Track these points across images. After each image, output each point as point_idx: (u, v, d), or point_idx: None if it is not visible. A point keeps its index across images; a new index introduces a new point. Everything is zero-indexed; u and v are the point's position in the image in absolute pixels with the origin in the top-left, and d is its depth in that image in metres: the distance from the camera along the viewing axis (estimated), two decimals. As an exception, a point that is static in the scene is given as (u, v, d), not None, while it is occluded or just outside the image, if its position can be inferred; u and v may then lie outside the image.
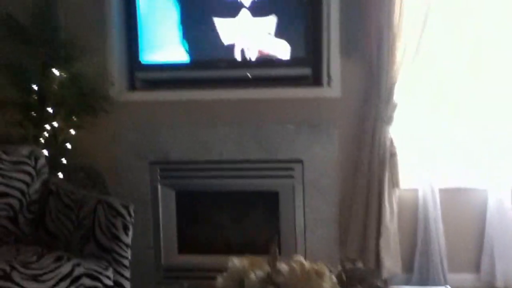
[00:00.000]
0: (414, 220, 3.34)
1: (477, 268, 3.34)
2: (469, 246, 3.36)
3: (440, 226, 3.28)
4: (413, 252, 3.34)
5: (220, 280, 1.97)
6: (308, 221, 3.38)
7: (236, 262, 1.94)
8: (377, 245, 3.25)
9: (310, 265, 1.88)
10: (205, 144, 3.40)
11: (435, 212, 3.28)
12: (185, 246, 3.55)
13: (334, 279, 1.92)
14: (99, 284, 2.50)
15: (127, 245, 2.59)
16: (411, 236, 3.35)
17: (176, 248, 3.53)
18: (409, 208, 3.35)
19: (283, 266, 1.89)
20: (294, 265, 1.88)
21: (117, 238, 2.56)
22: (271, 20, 3.32)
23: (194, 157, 3.42)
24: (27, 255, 2.50)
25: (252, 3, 3.33)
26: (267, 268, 1.89)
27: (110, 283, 2.54)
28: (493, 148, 3.28)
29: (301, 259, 1.92)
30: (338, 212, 3.36)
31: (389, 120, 3.20)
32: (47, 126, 3.23)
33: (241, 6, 3.34)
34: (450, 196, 3.33)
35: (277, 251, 1.91)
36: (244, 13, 3.34)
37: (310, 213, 3.37)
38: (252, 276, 1.89)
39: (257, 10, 3.34)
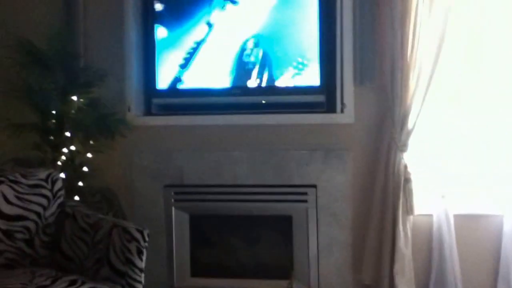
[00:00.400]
0: (428, 246, 3.32)
1: (493, 294, 3.31)
2: (485, 272, 3.32)
3: (455, 252, 3.25)
4: (428, 278, 3.32)
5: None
6: (321, 246, 3.37)
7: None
8: (392, 270, 3.23)
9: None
10: (219, 168, 3.42)
11: (450, 237, 3.26)
12: (198, 269, 3.55)
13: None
14: (112, 308, 2.51)
15: (140, 270, 2.60)
16: (425, 262, 3.33)
17: (189, 271, 3.54)
18: (423, 233, 3.33)
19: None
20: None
21: (131, 263, 2.57)
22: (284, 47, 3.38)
23: (208, 181, 3.44)
24: (42, 278, 2.52)
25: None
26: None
27: (123, 307, 2.56)
28: (508, 173, 3.26)
29: None
30: (352, 237, 3.35)
31: (403, 147, 3.20)
32: (65, 150, 3.28)
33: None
34: (465, 222, 3.30)
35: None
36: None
37: (324, 237, 3.36)
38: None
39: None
